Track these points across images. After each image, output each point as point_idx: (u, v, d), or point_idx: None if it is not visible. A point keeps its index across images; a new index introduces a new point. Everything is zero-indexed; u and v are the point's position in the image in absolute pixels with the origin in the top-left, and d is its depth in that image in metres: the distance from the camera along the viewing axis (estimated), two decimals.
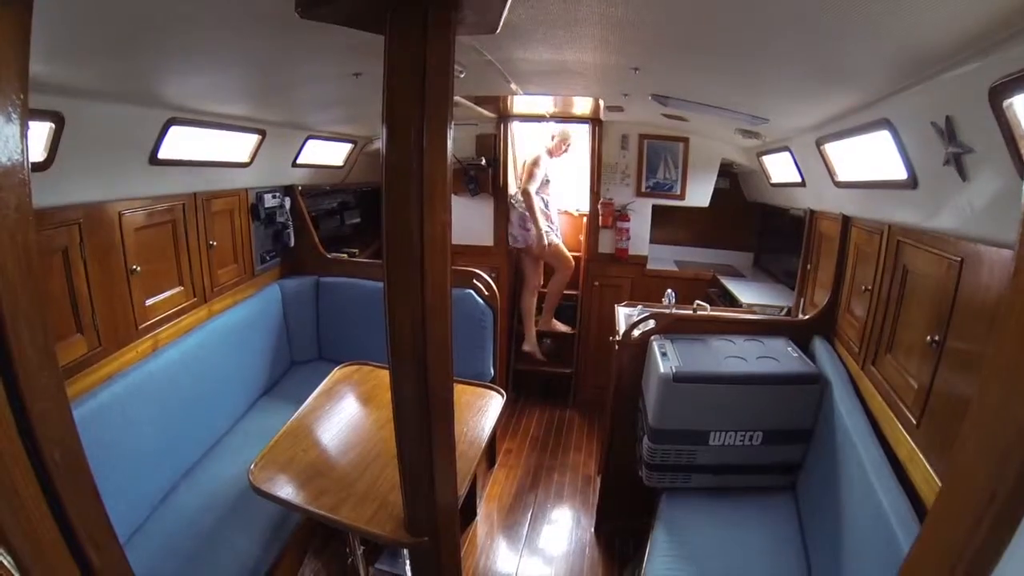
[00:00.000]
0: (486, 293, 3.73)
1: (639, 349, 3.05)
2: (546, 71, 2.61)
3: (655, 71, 2.42)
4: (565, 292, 5.01)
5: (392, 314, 1.61)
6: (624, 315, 3.62)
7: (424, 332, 1.61)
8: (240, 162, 3.33)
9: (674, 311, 3.28)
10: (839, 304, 2.92)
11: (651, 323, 3.08)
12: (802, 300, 3.48)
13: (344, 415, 2.82)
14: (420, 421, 1.70)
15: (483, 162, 4.60)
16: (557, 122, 4.58)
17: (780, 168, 3.73)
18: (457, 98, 3.39)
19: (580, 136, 4.63)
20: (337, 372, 3.18)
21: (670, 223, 4.98)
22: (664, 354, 2.77)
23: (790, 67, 2.04)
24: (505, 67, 2.56)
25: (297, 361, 3.98)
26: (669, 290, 3.53)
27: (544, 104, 4.13)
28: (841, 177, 2.78)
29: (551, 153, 4.62)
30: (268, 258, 3.83)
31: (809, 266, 3.41)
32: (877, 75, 1.86)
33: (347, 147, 4.47)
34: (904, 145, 1.97)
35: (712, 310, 3.44)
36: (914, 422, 1.95)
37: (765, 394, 2.63)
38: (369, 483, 2.29)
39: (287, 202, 3.91)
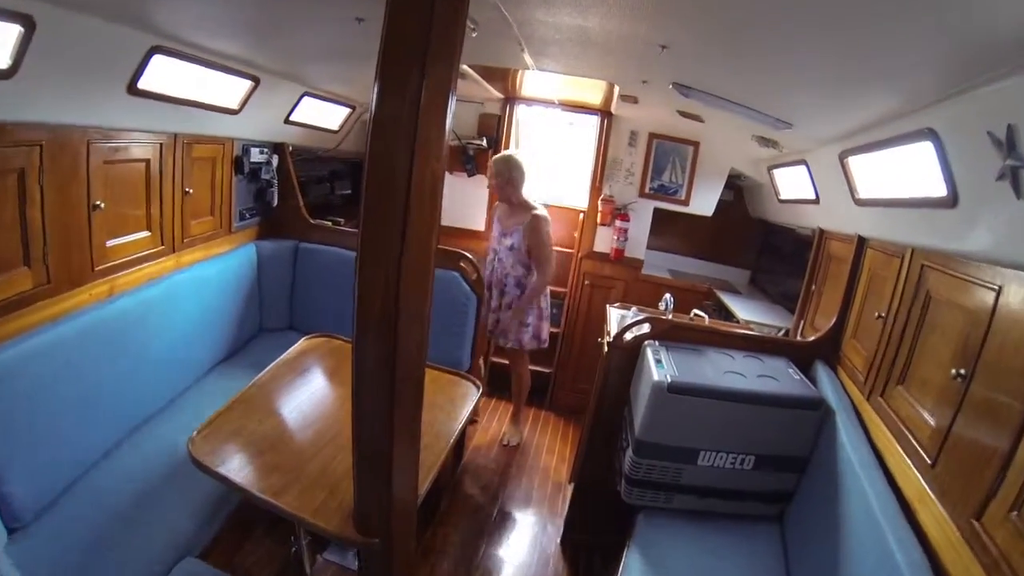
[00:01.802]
0: (472, 277, 3.51)
1: (630, 354, 2.85)
2: (566, 39, 2.40)
3: (683, 52, 2.21)
4: (552, 289, 4.79)
5: (363, 272, 1.39)
6: (616, 316, 3.42)
7: (398, 297, 1.40)
8: (228, 108, 3.08)
9: (671, 317, 3.08)
10: (844, 329, 2.75)
11: (646, 327, 2.87)
12: (802, 323, 3.31)
13: (305, 388, 2.60)
14: (382, 401, 1.48)
15: (483, 142, 4.38)
16: (564, 110, 4.38)
17: (791, 183, 3.56)
18: (464, 67, 3.18)
19: (587, 128, 4.43)
20: (304, 342, 2.96)
21: (669, 230, 4.79)
22: (659, 361, 2.57)
23: (825, 65, 1.85)
24: (522, 30, 2.35)
25: (267, 328, 3.74)
26: (667, 295, 3.34)
27: (553, 87, 3.92)
28: (863, 194, 2.59)
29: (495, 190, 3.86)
30: (248, 215, 3.58)
31: (813, 288, 3.24)
32: (925, 77, 1.67)
33: (344, 112, 4.22)
34: (947, 158, 1.78)
35: (710, 322, 3.26)
36: (928, 461, 1.76)
37: (763, 415, 2.44)
38: (322, 466, 2.08)
39: (275, 160, 3.67)
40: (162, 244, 2.91)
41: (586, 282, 4.53)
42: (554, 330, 4.69)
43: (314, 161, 4.54)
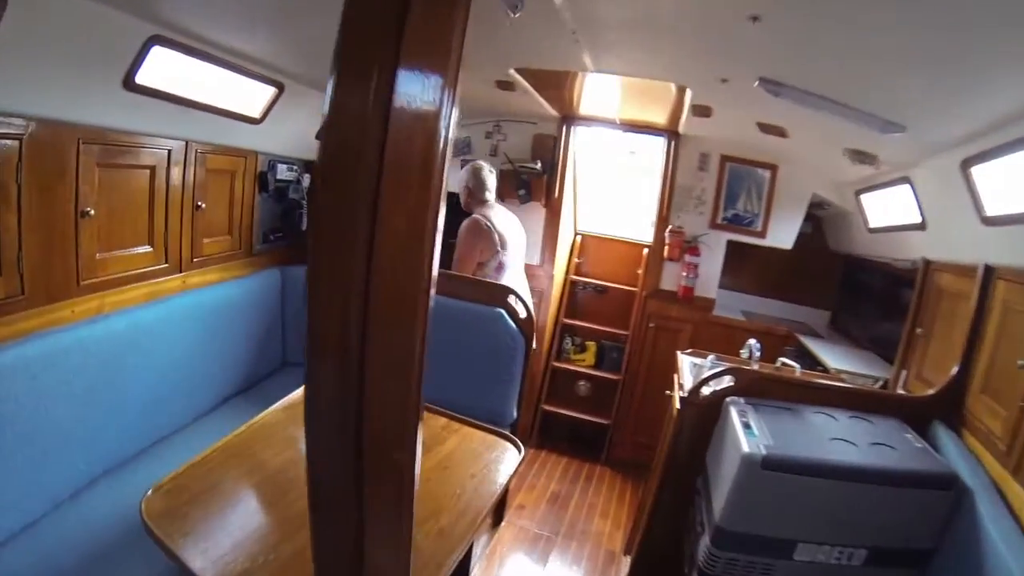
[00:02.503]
0: (521, 316, 2.97)
1: (708, 412, 2.24)
2: (630, 23, 1.92)
3: (777, 26, 1.67)
4: (611, 331, 4.21)
5: (313, 298, 0.87)
6: (689, 365, 2.81)
7: (365, 340, 0.86)
8: (249, 116, 2.72)
9: (759, 368, 2.44)
10: (970, 382, 2.11)
11: (728, 380, 2.26)
12: (904, 373, 2.63)
13: (303, 441, 2.10)
14: (342, 475, 0.95)
15: (538, 166, 3.89)
16: (626, 130, 3.86)
17: (885, 209, 2.98)
18: (511, 72, 2.72)
19: (653, 150, 3.87)
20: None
21: (740, 266, 4.13)
22: (747, 425, 1.95)
23: (945, 43, 1.38)
24: (575, 13, 1.88)
25: (291, 362, 3.29)
26: (753, 341, 2.70)
27: (614, 104, 3.42)
28: (992, 211, 1.98)
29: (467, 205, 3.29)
30: (273, 238, 3.18)
31: (918, 331, 2.57)
32: None
33: None
34: None
35: (802, 373, 2.60)
36: None
37: (879, 497, 1.81)
38: (301, 547, 1.54)
39: (306, 179, 3.30)
40: (166, 261, 2.52)
41: (651, 324, 3.91)
42: (613, 377, 4.09)
43: None
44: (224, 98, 2.55)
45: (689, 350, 3.06)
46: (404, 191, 0.77)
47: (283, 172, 3.10)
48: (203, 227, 2.69)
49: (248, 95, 2.66)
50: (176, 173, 2.49)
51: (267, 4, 2.04)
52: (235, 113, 2.65)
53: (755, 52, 1.96)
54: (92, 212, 2.15)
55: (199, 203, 2.62)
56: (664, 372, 3.61)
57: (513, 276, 3.26)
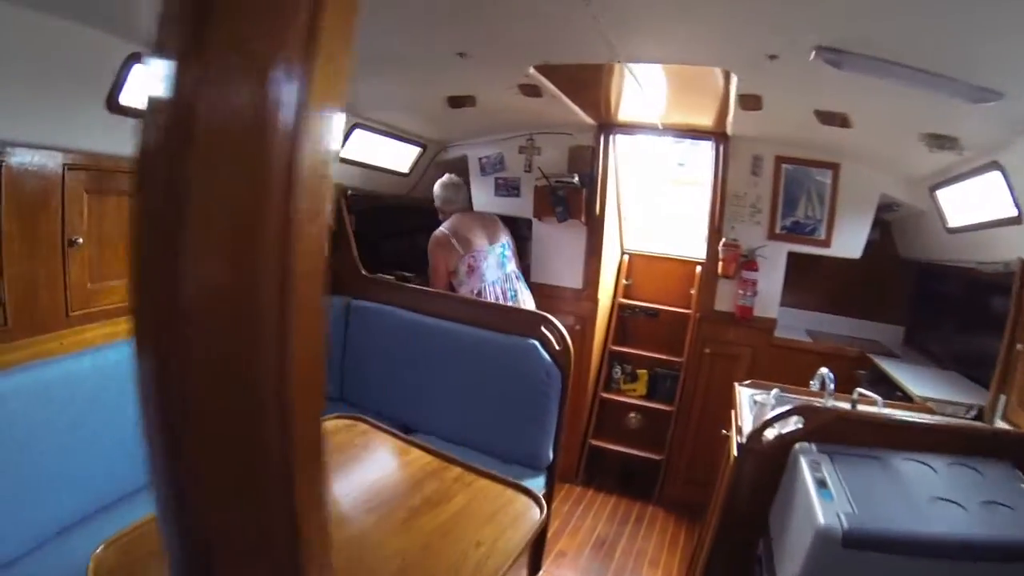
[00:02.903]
0: (557, 347, 2.62)
1: (773, 458, 1.81)
2: None
3: None
4: (664, 358, 3.77)
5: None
6: (748, 400, 2.37)
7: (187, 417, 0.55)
8: None
9: (833, 405, 1.98)
10: None
11: (796, 421, 1.82)
12: (1003, 399, 2.11)
13: None
14: None
15: (575, 180, 3.55)
16: (670, 136, 3.46)
17: (967, 204, 2.51)
18: (532, 73, 2.41)
19: (701, 156, 3.45)
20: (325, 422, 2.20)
21: (802, 280, 3.57)
22: (822, 482, 1.51)
23: None
24: None
25: (347, 400, 3.04)
26: (825, 371, 2.24)
27: (656, 107, 3.05)
28: None
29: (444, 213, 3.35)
30: None
31: (1019, 347, 2.05)
32: None
33: (414, 152, 3.64)
34: None
35: (884, 403, 2.12)
36: None
37: None
38: None
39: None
40: None
41: (706, 350, 3.44)
42: (666, 408, 3.64)
43: (394, 211, 3.97)
44: None
45: (748, 381, 2.60)
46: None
47: None
48: None
49: None
50: None
51: None
52: None
53: (809, 14, 1.57)
54: (81, 241, 2.01)
55: None
56: (721, 402, 3.18)
57: (491, 272, 3.26)
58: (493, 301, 3.17)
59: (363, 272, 3.16)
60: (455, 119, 3.15)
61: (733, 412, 2.40)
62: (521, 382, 2.61)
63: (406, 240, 4.34)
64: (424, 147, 3.61)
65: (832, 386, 2.19)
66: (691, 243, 3.91)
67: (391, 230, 4.19)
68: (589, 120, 3.38)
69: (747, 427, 2.09)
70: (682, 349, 3.65)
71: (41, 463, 1.87)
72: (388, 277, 3.42)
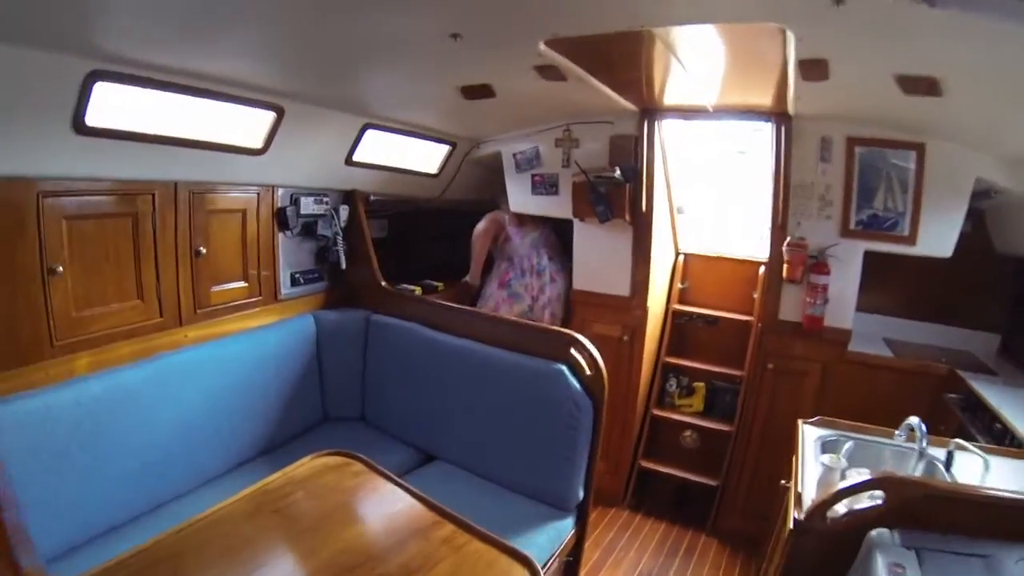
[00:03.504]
0: (588, 373, 2.24)
1: (841, 542, 1.38)
2: None
3: None
4: (724, 372, 3.26)
5: None
6: (814, 446, 1.90)
7: None
8: (248, 147, 2.37)
9: (922, 473, 1.49)
10: None
11: (873, 498, 1.36)
12: None
13: (253, 547, 1.60)
14: None
15: (617, 174, 3.09)
16: (720, 117, 2.93)
17: None
18: (550, 53, 2.02)
19: (760, 139, 2.89)
20: (308, 461, 1.96)
21: (878, 281, 2.92)
22: None
23: None
24: None
25: (333, 417, 2.85)
26: (915, 420, 1.73)
27: (706, 84, 2.54)
28: None
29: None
30: (303, 280, 2.80)
31: None
32: None
33: (442, 150, 3.35)
34: None
35: (985, 450, 1.58)
36: None
37: None
38: None
39: (343, 211, 2.88)
40: (161, 315, 2.22)
41: (768, 365, 2.89)
42: (725, 428, 3.13)
43: (429, 215, 3.74)
44: (213, 130, 2.23)
45: (815, 418, 2.08)
46: None
47: (309, 206, 2.70)
48: (208, 274, 2.36)
49: (245, 124, 2.31)
50: (167, 218, 2.19)
51: (220, 18, 1.65)
52: (230, 146, 2.30)
53: None
54: (61, 269, 1.91)
55: (199, 248, 2.29)
56: (786, 426, 2.72)
57: (524, 248, 3.43)
58: (521, 274, 3.36)
59: (383, 284, 2.93)
60: (477, 112, 2.82)
61: (795, 460, 1.91)
62: (547, 412, 2.27)
63: (444, 244, 4.10)
64: (453, 145, 3.31)
65: (925, 443, 1.67)
66: (754, 242, 3.34)
67: (427, 235, 3.96)
68: (630, 106, 2.92)
69: (809, 490, 1.63)
70: (743, 360, 3.13)
71: (25, 495, 1.80)
72: (412, 288, 3.18)
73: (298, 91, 2.31)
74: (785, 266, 2.76)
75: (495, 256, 3.57)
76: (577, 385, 2.23)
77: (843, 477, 1.68)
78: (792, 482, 1.81)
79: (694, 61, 2.21)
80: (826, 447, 1.91)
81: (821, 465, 1.79)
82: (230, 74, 2.06)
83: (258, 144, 2.37)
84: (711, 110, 2.85)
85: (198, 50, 1.87)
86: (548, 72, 2.26)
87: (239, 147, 2.33)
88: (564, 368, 2.25)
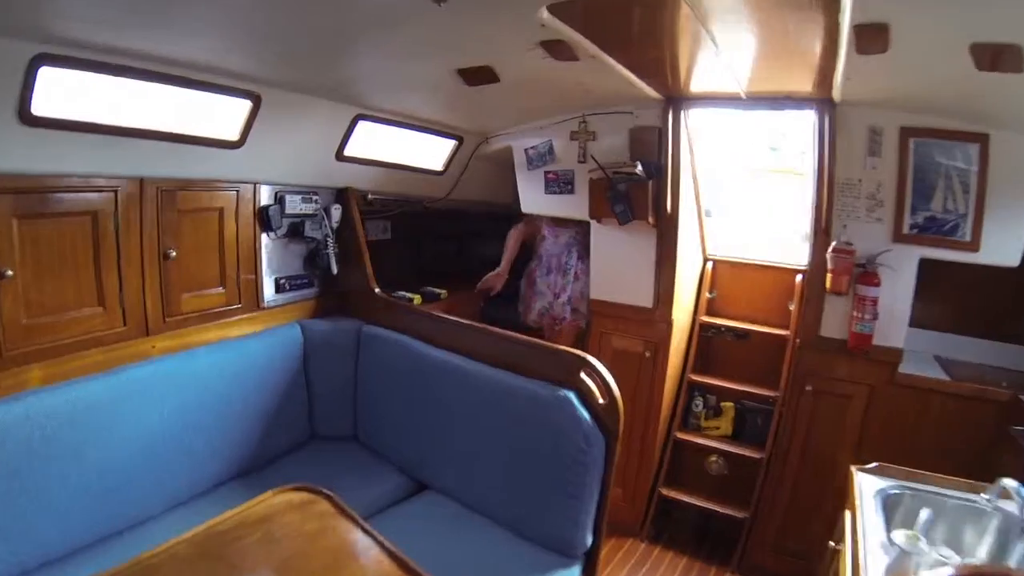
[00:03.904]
0: (601, 402, 1.94)
1: None
2: None
3: None
4: (756, 391, 2.91)
5: None
6: (872, 504, 1.58)
7: None
8: (223, 139, 2.16)
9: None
10: None
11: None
12: None
13: None
14: None
15: (639, 170, 2.77)
16: (754, 106, 2.59)
17: None
18: (554, 22, 1.74)
19: (801, 135, 2.53)
20: (272, 496, 1.73)
21: (929, 289, 2.48)
22: None
23: None
24: None
25: (320, 435, 2.62)
26: (1011, 483, 1.40)
27: (736, 69, 2.21)
28: None
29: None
30: (290, 286, 2.57)
31: None
32: None
33: (447, 145, 3.10)
34: None
35: None
36: None
37: None
38: None
39: (335, 211, 2.66)
40: (124, 324, 2.03)
41: (807, 387, 2.55)
42: (755, 455, 2.80)
43: (436, 215, 3.49)
44: (184, 122, 2.03)
45: (873, 465, 1.73)
46: None
47: (296, 204, 2.48)
48: (179, 280, 2.16)
49: (220, 115, 2.11)
50: (131, 217, 1.99)
51: None
52: (203, 138, 2.10)
53: None
54: (11, 273, 1.73)
55: (168, 251, 2.10)
56: (826, 455, 2.51)
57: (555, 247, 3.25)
58: (547, 272, 3.24)
59: (376, 291, 2.68)
60: (483, 102, 2.56)
61: (849, 519, 1.58)
62: (552, 445, 1.97)
63: (453, 246, 3.85)
64: (459, 140, 3.06)
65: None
66: (789, 246, 2.98)
67: (435, 237, 3.72)
68: (653, 93, 2.61)
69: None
70: (777, 379, 2.78)
71: None
72: (410, 296, 2.94)
73: (275, 77, 2.09)
74: (828, 275, 2.40)
75: (531, 254, 3.44)
76: (587, 416, 1.92)
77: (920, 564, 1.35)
78: (843, 545, 1.49)
79: (727, 34, 1.89)
80: (889, 504, 1.58)
81: (890, 542, 1.44)
82: (196, 57, 1.86)
83: (234, 136, 2.16)
84: (744, 97, 2.52)
85: (157, 31, 1.67)
86: (556, 49, 1.98)
87: (212, 139, 2.12)
88: (572, 395, 1.95)
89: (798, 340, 2.60)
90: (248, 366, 2.33)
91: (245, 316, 2.40)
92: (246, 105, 2.12)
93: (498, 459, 2.13)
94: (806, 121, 2.48)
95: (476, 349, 2.26)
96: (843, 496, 1.78)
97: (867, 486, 1.64)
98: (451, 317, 2.47)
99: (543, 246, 3.33)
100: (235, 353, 2.30)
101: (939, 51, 1.66)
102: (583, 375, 1.97)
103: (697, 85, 2.55)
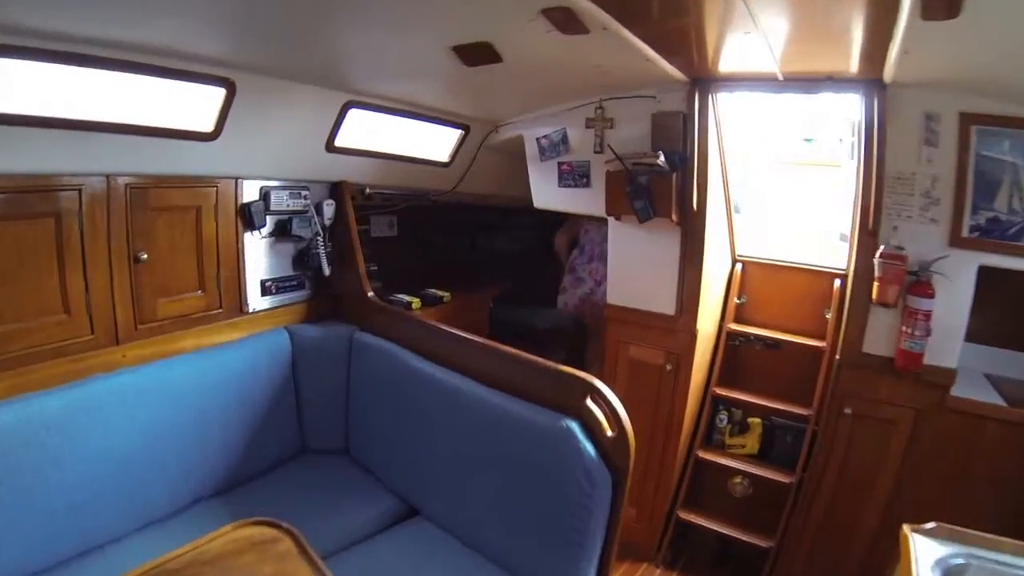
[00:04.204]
0: (608, 435, 1.69)
1: None
2: None
3: None
4: (786, 408, 2.62)
5: None
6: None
7: None
8: (196, 131, 1.98)
9: None
10: None
11: None
12: None
13: None
14: None
15: (661, 160, 2.49)
16: (791, 88, 2.29)
17: None
18: (602, 15, 1.51)
19: (838, 125, 2.23)
20: (232, 530, 1.55)
21: (985, 301, 2.14)
22: None
23: None
24: None
25: (312, 449, 2.46)
26: None
27: (770, 43, 1.92)
28: None
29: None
30: (277, 289, 2.40)
31: None
32: None
33: (454, 134, 2.87)
34: None
35: None
36: None
37: None
38: None
39: (327, 208, 2.47)
40: (92, 332, 1.89)
41: (846, 409, 2.27)
42: (784, 479, 2.53)
43: (446, 210, 3.29)
44: (153, 113, 1.86)
45: (931, 526, 1.45)
46: None
47: (283, 200, 2.31)
48: (153, 284, 2.01)
49: (194, 105, 1.93)
50: (97, 218, 1.85)
51: None
52: (174, 130, 1.93)
53: None
54: None
55: (139, 253, 1.95)
56: (865, 484, 2.28)
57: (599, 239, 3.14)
58: (588, 260, 3.24)
59: (369, 295, 2.50)
60: (486, 85, 2.33)
61: None
62: (552, 480, 1.73)
63: (463, 243, 3.64)
64: (466, 129, 2.83)
65: None
66: (825, 246, 2.67)
67: (444, 233, 3.51)
68: (677, 74, 2.33)
69: None
70: (811, 395, 2.51)
71: None
72: (408, 300, 2.75)
73: (249, 61, 1.90)
74: (875, 284, 2.10)
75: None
76: (591, 451, 1.67)
77: None
78: None
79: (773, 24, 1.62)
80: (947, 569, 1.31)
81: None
82: (159, 41, 1.68)
83: (208, 128, 1.99)
84: (781, 78, 2.22)
85: (110, 9, 1.49)
86: (561, 20, 1.71)
87: (185, 131, 1.95)
88: (576, 426, 1.70)
89: (837, 357, 2.31)
90: (229, 376, 2.18)
91: (227, 322, 2.24)
92: (220, 93, 1.94)
93: (492, 490, 1.91)
94: (847, 107, 2.17)
95: (473, 366, 2.04)
96: (880, 534, 1.52)
97: (925, 553, 1.36)
98: (447, 328, 2.22)
99: (585, 236, 3.30)
100: (213, 362, 2.15)
101: (1019, 14, 1.35)
102: (590, 402, 1.72)
103: (727, 64, 2.25)
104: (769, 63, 2.14)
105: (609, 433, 1.68)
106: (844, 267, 2.39)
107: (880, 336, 2.19)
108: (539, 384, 1.85)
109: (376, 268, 2.86)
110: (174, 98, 1.91)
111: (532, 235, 3.69)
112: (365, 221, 2.95)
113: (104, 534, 1.88)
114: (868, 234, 2.16)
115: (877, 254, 2.12)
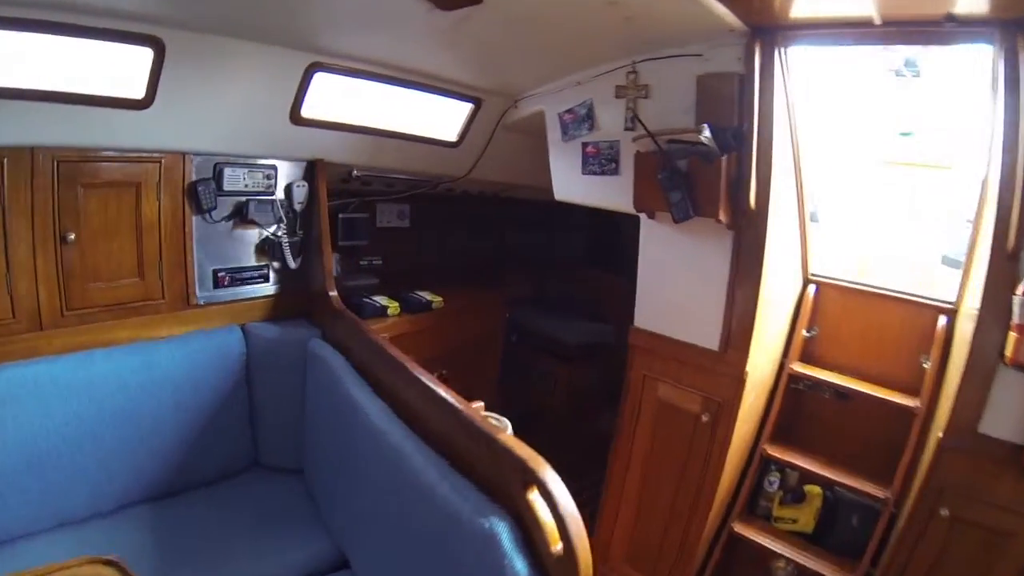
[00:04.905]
0: (549, 552, 1.10)
1: None
2: None
3: None
4: (859, 487, 1.88)
5: None
6: None
7: None
8: (125, 97, 1.77)
9: None
10: None
11: None
12: None
13: None
14: None
15: (707, 139, 1.86)
16: (892, 40, 1.56)
17: None
18: None
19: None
20: (79, 566, 1.27)
21: None
22: None
23: None
24: None
25: (266, 465, 2.21)
26: None
27: None
28: None
29: None
30: (230, 280, 2.14)
31: None
32: None
33: (464, 109, 2.44)
34: None
35: None
36: None
37: None
38: None
39: (298, 191, 2.17)
40: (12, 316, 1.75)
41: (943, 509, 1.53)
42: (842, 575, 1.83)
43: (466, 200, 2.90)
44: (77, 79, 1.68)
45: None
46: None
47: (239, 180, 2.05)
48: (82, 267, 1.84)
49: (127, 70, 1.73)
50: (19, 193, 1.70)
51: None
52: (98, 97, 1.73)
53: None
54: None
55: (67, 233, 1.78)
56: None
57: None
58: None
59: (331, 294, 2.15)
60: (478, 40, 1.90)
61: None
62: None
63: (487, 238, 3.22)
64: (477, 102, 2.39)
65: None
66: (921, 272, 1.89)
67: (463, 227, 3.10)
68: (732, 19, 1.70)
69: None
70: (890, 470, 1.78)
71: None
72: (384, 304, 2.41)
73: (176, 14, 1.63)
74: (1011, 335, 1.37)
75: None
76: (521, 570, 1.11)
77: None
78: None
79: None
80: None
81: None
82: None
83: (139, 94, 1.77)
84: (878, 22, 1.52)
85: None
86: None
87: (112, 99, 1.74)
88: (502, 529, 1.14)
89: (940, 435, 1.58)
90: (165, 374, 1.95)
91: (171, 314, 2.03)
92: (147, 55, 1.71)
93: (419, 570, 1.45)
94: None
95: (414, 406, 1.61)
96: None
97: None
98: (395, 355, 1.75)
99: None
100: (147, 358, 1.93)
101: None
102: (530, 497, 1.15)
103: (803, 5, 1.61)
104: (862, 1, 1.48)
105: (553, 548, 1.10)
106: (952, 300, 1.65)
107: (1010, 412, 1.46)
108: (476, 453, 1.34)
109: (379, 262, 2.55)
110: (109, 64, 1.73)
111: (581, 237, 3.19)
112: (368, 208, 2.65)
113: (15, 527, 1.74)
114: (1004, 257, 1.42)
115: (1020, 290, 1.38)
